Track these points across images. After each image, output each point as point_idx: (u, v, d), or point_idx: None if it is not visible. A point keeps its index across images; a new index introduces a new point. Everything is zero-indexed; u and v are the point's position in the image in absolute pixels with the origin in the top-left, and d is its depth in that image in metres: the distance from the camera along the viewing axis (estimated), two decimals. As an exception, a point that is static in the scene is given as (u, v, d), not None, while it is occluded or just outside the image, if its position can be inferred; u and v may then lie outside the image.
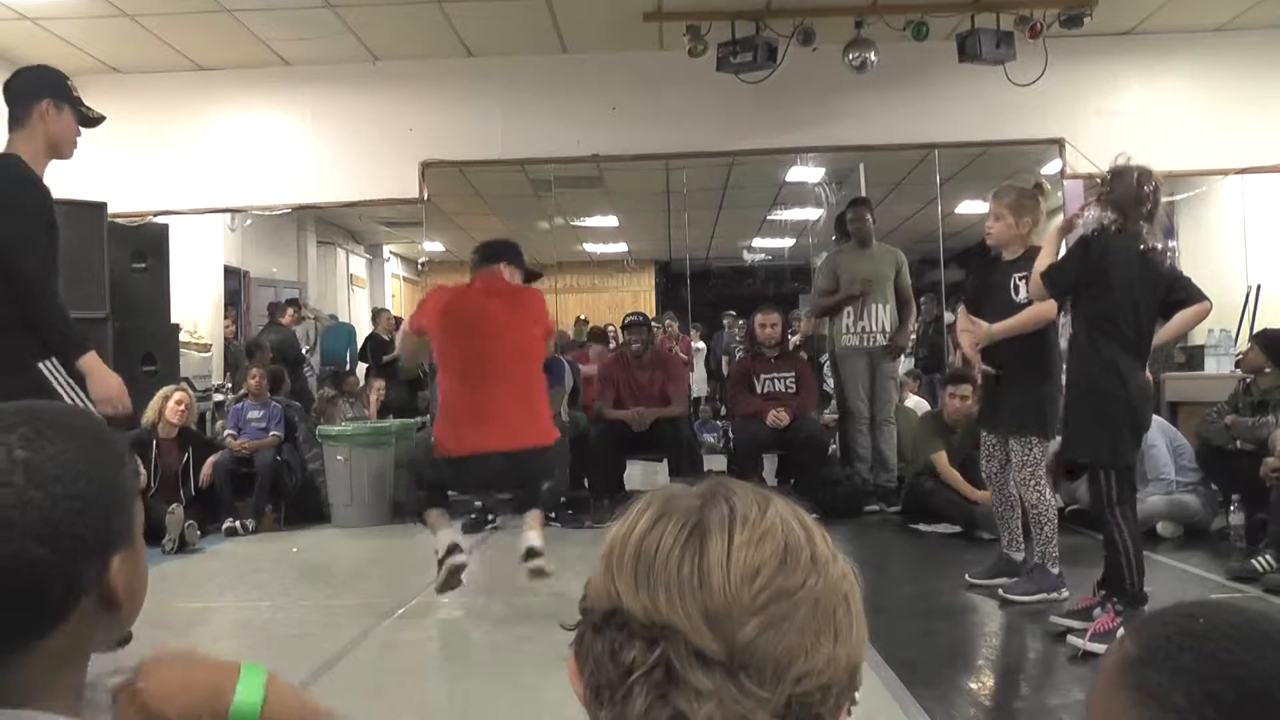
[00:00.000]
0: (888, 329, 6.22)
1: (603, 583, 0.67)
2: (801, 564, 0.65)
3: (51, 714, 0.76)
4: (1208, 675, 0.63)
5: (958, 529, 5.32)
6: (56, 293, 2.92)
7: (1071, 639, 3.23)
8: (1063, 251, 3.65)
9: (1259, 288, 6.80)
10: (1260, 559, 4.14)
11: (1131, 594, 3.25)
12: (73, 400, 2.89)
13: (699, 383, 10.27)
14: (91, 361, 2.95)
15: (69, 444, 0.78)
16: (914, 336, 8.25)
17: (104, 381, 2.96)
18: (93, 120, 3.17)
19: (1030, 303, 3.81)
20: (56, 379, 2.90)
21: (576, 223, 10.80)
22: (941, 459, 5.45)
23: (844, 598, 0.67)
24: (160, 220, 6.76)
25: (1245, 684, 0.63)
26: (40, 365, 2.88)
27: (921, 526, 5.50)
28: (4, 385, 2.81)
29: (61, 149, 3.09)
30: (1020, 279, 3.89)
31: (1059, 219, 3.48)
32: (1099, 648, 3.04)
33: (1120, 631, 2.95)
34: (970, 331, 3.94)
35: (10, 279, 2.85)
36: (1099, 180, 3.61)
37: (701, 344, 10.74)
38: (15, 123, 3.03)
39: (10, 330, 2.87)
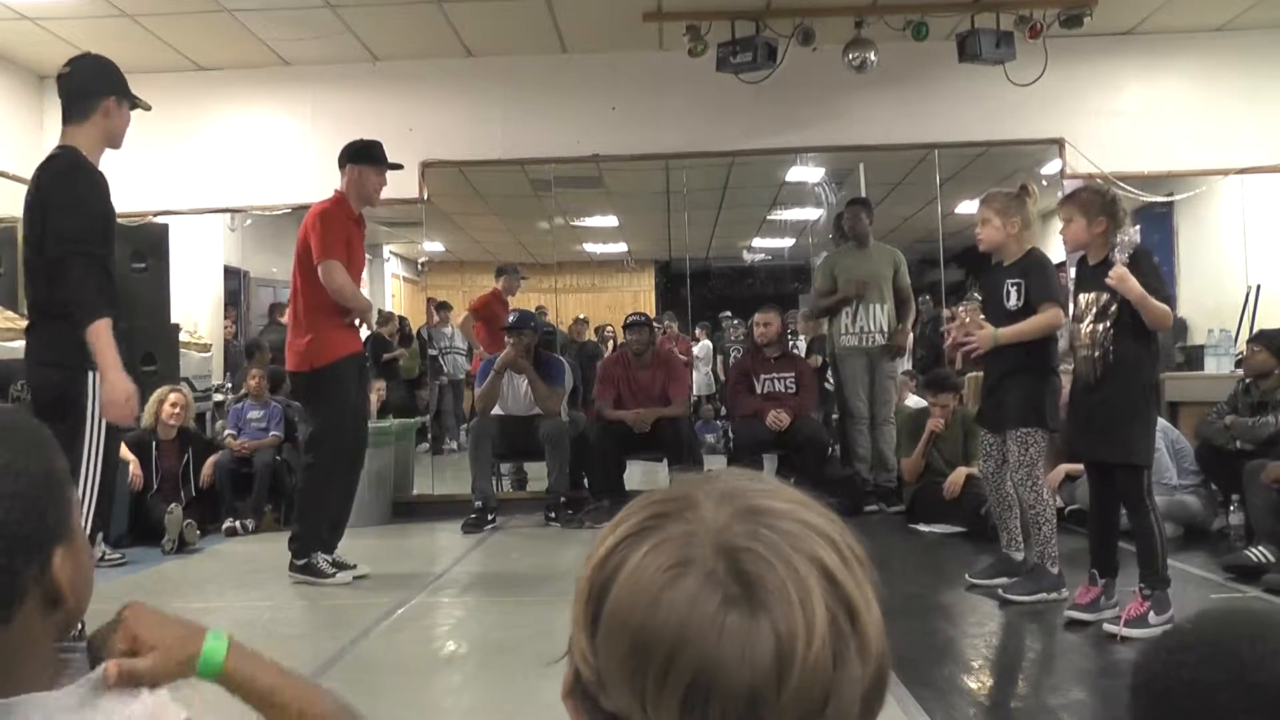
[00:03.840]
0: (886, 329, 6.22)
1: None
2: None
3: (14, 698, 0.75)
4: None
5: (957, 529, 5.35)
6: (82, 271, 2.99)
7: (1108, 626, 3.38)
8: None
9: (1259, 288, 6.80)
10: (1254, 550, 4.16)
11: (1161, 576, 3.39)
12: (91, 415, 2.98)
13: (701, 382, 10.28)
14: (104, 356, 2.97)
15: None
16: (912, 336, 8.25)
17: (113, 384, 2.97)
18: (145, 107, 3.33)
19: (1021, 309, 3.84)
20: (91, 391, 2.99)
21: (576, 223, 10.80)
22: (907, 463, 5.72)
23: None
24: (160, 220, 6.76)
25: None
26: (89, 373, 2.99)
27: (921, 526, 5.52)
28: (45, 374, 3.05)
29: (117, 141, 3.24)
30: (1012, 285, 3.89)
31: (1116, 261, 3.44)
32: (1135, 632, 3.25)
33: (1150, 614, 3.02)
34: (971, 332, 3.95)
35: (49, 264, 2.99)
36: (1099, 192, 3.62)
37: (708, 342, 10.74)
38: (76, 115, 3.14)
39: (69, 323, 2.98)
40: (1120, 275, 3.35)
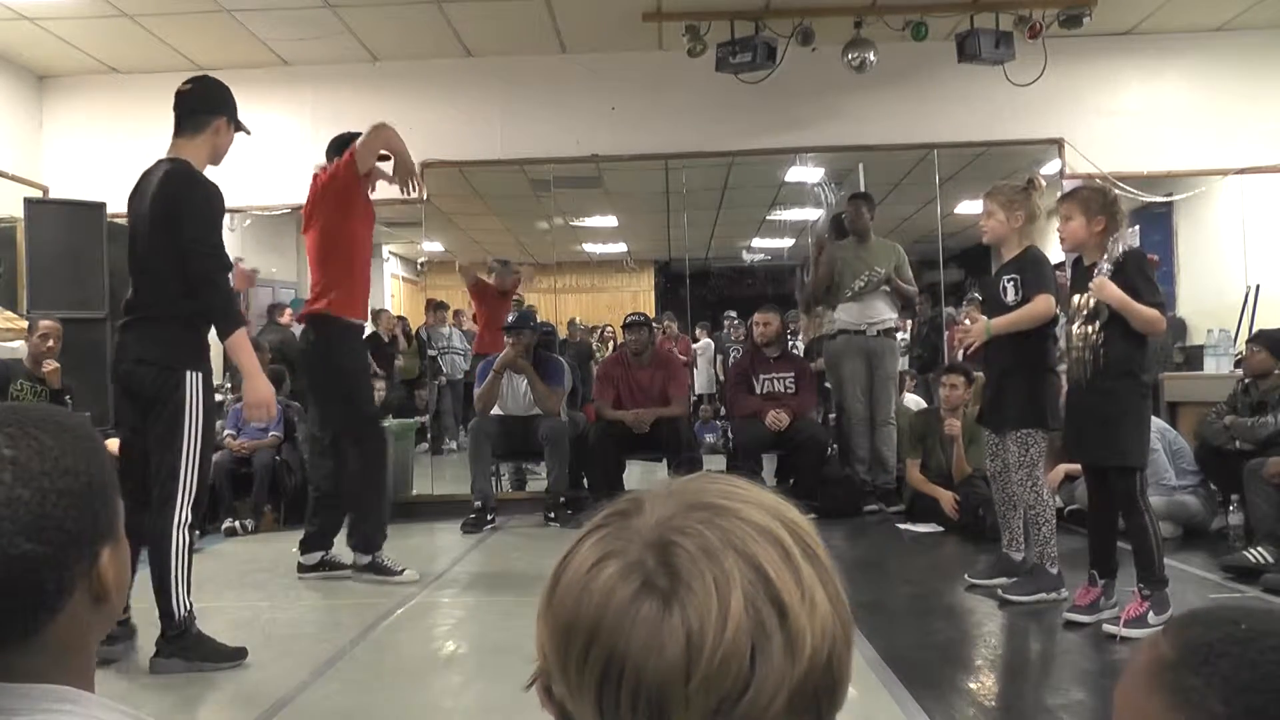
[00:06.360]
0: (886, 316, 6.25)
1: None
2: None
3: (64, 686, 0.77)
4: (1249, 685, 0.61)
5: (939, 529, 5.39)
6: (225, 284, 3.29)
7: (1107, 627, 3.40)
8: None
9: (1258, 288, 6.80)
10: (1253, 550, 4.16)
11: (1159, 576, 3.40)
12: (193, 411, 3.18)
13: (703, 381, 10.29)
14: (249, 363, 3.32)
15: (54, 441, 0.78)
16: (908, 336, 8.24)
17: (256, 387, 3.34)
18: (247, 132, 3.53)
19: (1018, 305, 3.85)
20: (191, 390, 3.19)
21: (576, 223, 10.79)
22: (913, 469, 5.67)
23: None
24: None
25: None
26: (187, 372, 3.20)
27: (907, 526, 5.55)
28: (145, 372, 3.20)
29: (219, 159, 3.45)
30: (1009, 281, 3.90)
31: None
32: (1135, 633, 3.26)
33: (1149, 614, 3.02)
34: (968, 328, 3.98)
35: (187, 275, 3.19)
36: (1100, 191, 3.65)
37: (709, 341, 10.75)
38: (189, 129, 3.35)
39: (175, 323, 3.21)
40: (1099, 284, 3.40)
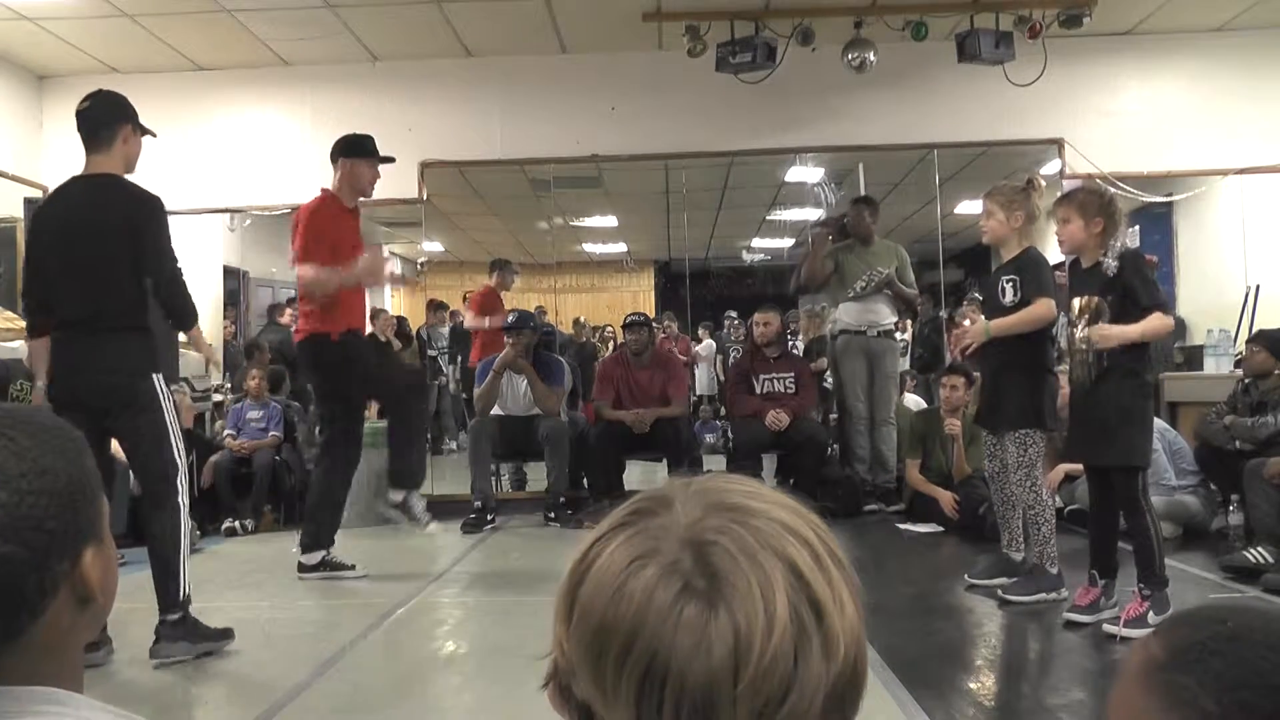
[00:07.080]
0: (887, 319, 6.25)
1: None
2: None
3: (53, 688, 0.77)
4: (1240, 683, 0.62)
5: (939, 529, 5.39)
6: (184, 284, 3.52)
7: (1107, 627, 3.41)
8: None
9: (1258, 288, 6.80)
10: (1253, 550, 4.16)
11: (1159, 576, 3.41)
12: (167, 408, 3.39)
13: (705, 381, 10.29)
14: (205, 347, 3.93)
15: (31, 441, 0.78)
16: (908, 335, 8.24)
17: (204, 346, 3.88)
18: (152, 135, 3.62)
19: (1017, 306, 3.85)
20: (161, 390, 3.39)
21: (576, 223, 10.79)
22: (912, 469, 5.68)
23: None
24: (160, 220, 6.75)
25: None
26: (153, 376, 3.38)
27: (908, 526, 5.54)
28: (115, 383, 3.33)
29: (133, 166, 3.52)
30: (1008, 282, 3.91)
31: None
32: (1135, 633, 3.26)
33: (1149, 614, 3.02)
34: (967, 329, 3.98)
35: (152, 280, 3.39)
36: (1097, 193, 3.67)
37: (711, 341, 10.76)
38: (98, 144, 3.42)
39: (137, 333, 3.39)
40: (1099, 336, 3.42)
